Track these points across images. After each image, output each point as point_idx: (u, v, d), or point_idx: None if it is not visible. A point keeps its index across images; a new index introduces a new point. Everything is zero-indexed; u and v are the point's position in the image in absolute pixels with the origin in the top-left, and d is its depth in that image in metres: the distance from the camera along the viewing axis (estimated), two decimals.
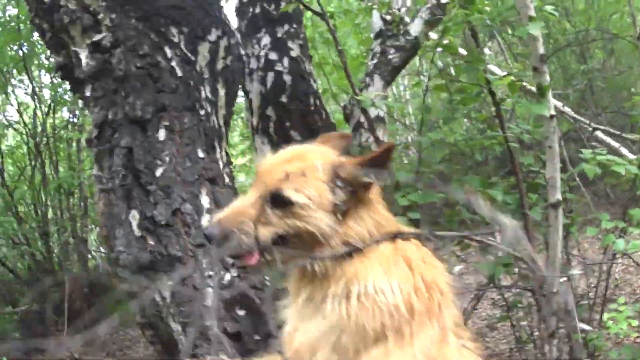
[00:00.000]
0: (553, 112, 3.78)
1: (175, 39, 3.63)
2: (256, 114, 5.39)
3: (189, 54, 3.65)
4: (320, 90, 5.49)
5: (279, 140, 5.15)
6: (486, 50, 10.01)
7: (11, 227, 8.70)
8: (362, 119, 5.32)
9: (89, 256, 10.78)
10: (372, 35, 6.14)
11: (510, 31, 8.03)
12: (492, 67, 7.02)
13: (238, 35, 4.08)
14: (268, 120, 5.28)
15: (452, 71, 5.12)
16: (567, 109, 6.82)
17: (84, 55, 3.50)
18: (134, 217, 3.40)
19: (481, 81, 4.06)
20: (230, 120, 4.05)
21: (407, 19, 5.99)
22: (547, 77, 3.77)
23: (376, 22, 6.14)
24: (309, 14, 6.25)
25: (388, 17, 5.98)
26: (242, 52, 4.07)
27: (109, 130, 3.47)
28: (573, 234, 4.57)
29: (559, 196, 3.72)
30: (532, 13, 3.70)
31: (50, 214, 10.24)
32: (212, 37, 3.80)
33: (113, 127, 3.45)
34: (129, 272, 3.41)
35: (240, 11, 5.46)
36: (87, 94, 3.56)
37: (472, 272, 9.07)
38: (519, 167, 4.11)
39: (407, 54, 5.67)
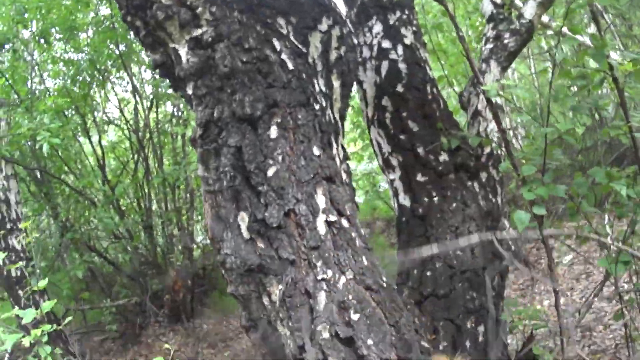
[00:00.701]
0: None
1: (284, 30, 3.38)
2: (371, 105, 5.18)
3: (300, 46, 3.41)
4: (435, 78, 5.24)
5: (395, 131, 4.97)
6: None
7: (112, 222, 8.78)
8: (480, 106, 5.13)
9: (194, 246, 10.85)
10: (484, 20, 5.90)
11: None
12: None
13: (349, 24, 3.84)
14: (384, 110, 5.06)
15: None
16: None
17: (183, 52, 3.30)
18: (243, 219, 3.22)
19: (604, 67, 3.77)
20: (346, 113, 3.82)
21: (517, 1, 5.75)
22: None
23: (487, 5, 5.93)
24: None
25: (499, 1, 5.77)
26: (355, 41, 3.82)
27: (215, 129, 3.27)
28: None
29: None
30: None
31: (154, 207, 10.35)
32: (323, 26, 3.54)
33: (219, 126, 3.26)
34: (235, 275, 3.27)
35: None
36: (189, 91, 3.36)
37: (581, 262, 8.78)
38: None
39: (523, 38, 5.42)
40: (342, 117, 3.69)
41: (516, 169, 3.95)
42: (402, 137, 4.89)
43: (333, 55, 3.59)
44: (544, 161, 3.96)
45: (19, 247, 8.06)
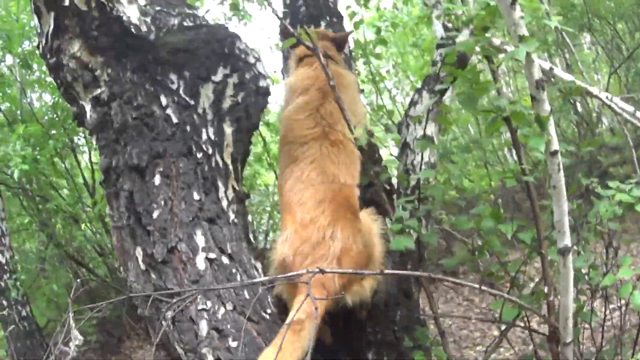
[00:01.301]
0: (556, 147, 3.40)
1: (174, 85, 3.84)
2: None
3: (188, 99, 3.85)
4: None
5: None
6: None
7: (93, 239, 9.21)
8: (408, 139, 5.26)
9: None
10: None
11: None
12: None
13: (259, 67, 4.21)
14: None
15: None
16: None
17: (88, 109, 3.81)
18: (139, 253, 3.70)
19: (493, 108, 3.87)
20: (245, 155, 4.23)
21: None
22: (547, 106, 3.39)
23: (438, 30, 6.03)
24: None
25: (450, 25, 5.82)
26: (263, 84, 4.21)
27: (114, 175, 3.77)
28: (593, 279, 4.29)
29: (567, 242, 3.38)
30: (524, 32, 3.28)
31: None
32: (218, 77, 3.98)
33: (117, 173, 3.75)
34: (140, 300, 3.75)
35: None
36: (94, 142, 3.86)
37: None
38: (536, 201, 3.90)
39: (456, 67, 5.44)
40: (236, 160, 4.07)
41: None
42: None
43: (227, 103, 4.01)
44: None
45: (3, 261, 8.52)
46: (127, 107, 3.69)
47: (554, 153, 3.39)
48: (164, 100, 3.77)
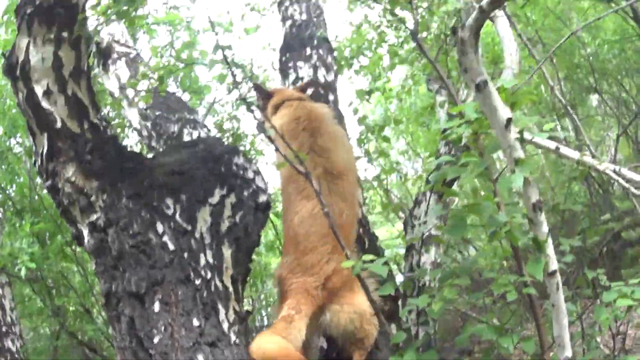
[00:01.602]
0: (555, 267, 3.41)
1: (170, 211, 3.82)
2: None
3: (185, 224, 3.82)
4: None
5: None
6: None
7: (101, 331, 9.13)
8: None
9: None
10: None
11: None
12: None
13: (257, 182, 4.21)
14: None
15: None
16: None
17: (85, 233, 3.77)
18: None
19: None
20: (246, 274, 4.21)
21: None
22: (545, 228, 3.40)
23: (442, 117, 6.09)
24: None
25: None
26: (262, 199, 4.25)
27: (114, 300, 3.72)
28: None
29: (568, 353, 3.35)
30: (521, 154, 3.30)
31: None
32: (215, 198, 3.99)
33: (117, 298, 3.70)
34: None
35: None
36: (93, 267, 3.80)
37: None
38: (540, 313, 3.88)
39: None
40: (237, 281, 4.01)
41: None
42: None
43: (225, 225, 3.99)
44: None
45: (14, 349, 8.45)
46: (124, 235, 3.66)
47: (552, 274, 3.41)
48: (160, 227, 3.74)
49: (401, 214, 8.39)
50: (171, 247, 3.71)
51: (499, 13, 5.55)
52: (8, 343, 8.36)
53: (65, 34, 3.69)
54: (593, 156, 6.75)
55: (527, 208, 3.40)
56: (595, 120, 11.11)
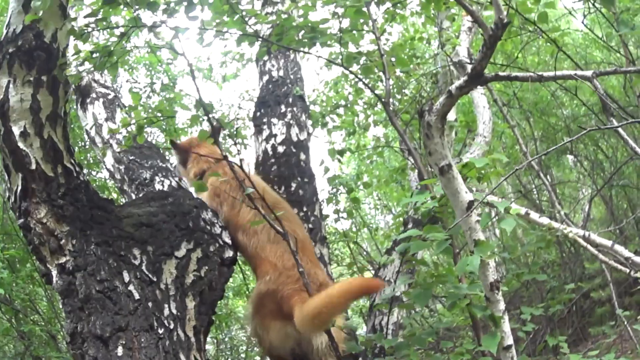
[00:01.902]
0: (510, 342, 3.58)
1: (137, 261, 3.89)
2: None
3: (150, 275, 3.90)
4: None
5: None
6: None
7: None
8: (378, 300, 5.33)
9: None
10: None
11: None
12: None
13: (224, 237, 4.30)
14: None
15: None
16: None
17: (54, 274, 3.81)
18: None
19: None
20: (208, 326, 4.25)
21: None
22: (501, 306, 3.59)
23: (413, 180, 6.20)
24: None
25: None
26: (228, 254, 4.36)
27: (80, 339, 3.73)
28: None
29: None
30: (480, 236, 3.53)
31: None
32: (181, 252, 4.08)
33: (82, 338, 3.71)
34: None
35: None
36: (61, 305, 3.86)
37: None
38: None
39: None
40: (199, 332, 4.07)
41: None
42: None
43: (190, 278, 4.08)
44: None
45: None
46: (91, 280, 3.71)
47: (507, 348, 3.57)
48: (126, 276, 3.80)
49: (368, 267, 8.50)
50: (136, 295, 3.75)
51: None
52: None
53: (44, 78, 3.76)
54: (563, 221, 6.86)
55: (484, 287, 3.58)
56: (570, 178, 11.25)
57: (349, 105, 7.29)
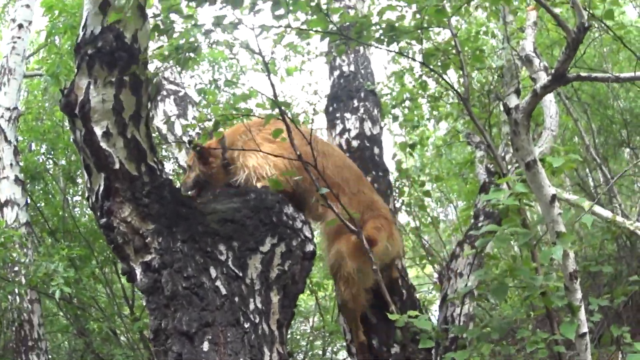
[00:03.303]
0: (585, 330, 3.70)
1: (223, 257, 3.94)
2: None
3: (237, 270, 3.94)
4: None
5: None
6: None
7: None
8: (449, 291, 5.35)
9: None
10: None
11: None
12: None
13: (305, 231, 4.36)
14: None
15: None
16: None
17: (138, 272, 3.84)
18: None
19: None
20: (290, 319, 4.30)
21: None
22: (579, 295, 3.69)
23: (481, 173, 6.17)
24: None
25: (492, 168, 5.98)
26: (309, 248, 4.36)
27: (163, 336, 3.78)
28: None
29: None
30: (562, 228, 3.63)
31: None
32: (266, 247, 4.12)
33: (166, 334, 3.76)
34: None
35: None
36: (144, 303, 3.88)
37: None
38: None
39: (495, 221, 5.52)
40: (282, 325, 4.12)
41: None
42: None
43: (274, 272, 4.12)
44: None
45: None
46: (178, 277, 3.75)
47: (582, 335, 3.69)
48: (213, 272, 3.85)
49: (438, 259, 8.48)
50: (223, 291, 3.80)
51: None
52: (33, 357, 8.45)
53: (126, 78, 3.78)
54: (623, 215, 6.83)
55: (565, 277, 3.70)
56: (627, 172, 11.12)
57: (413, 99, 7.29)
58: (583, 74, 3.99)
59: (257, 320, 3.89)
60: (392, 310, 4.37)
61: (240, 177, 4.68)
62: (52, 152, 9.29)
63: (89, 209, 9.90)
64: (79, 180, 9.46)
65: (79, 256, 8.04)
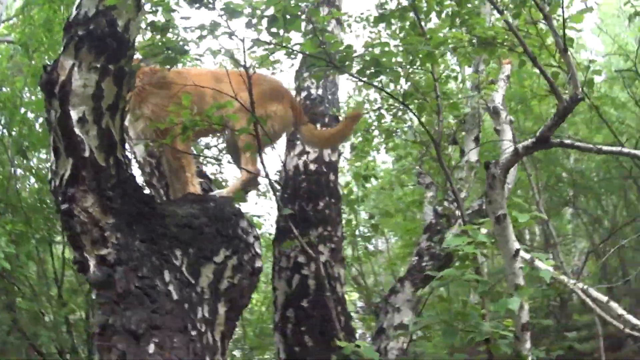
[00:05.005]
0: None
1: (178, 262, 3.94)
2: (279, 311, 5.61)
3: (190, 277, 3.95)
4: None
5: (293, 342, 5.34)
6: None
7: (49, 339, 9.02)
8: (385, 324, 5.44)
9: None
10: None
11: None
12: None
13: (256, 247, 4.36)
14: (287, 321, 5.48)
15: None
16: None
17: (91, 264, 3.78)
18: None
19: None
20: (232, 332, 4.32)
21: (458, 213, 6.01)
22: (528, 345, 3.82)
23: (428, 214, 6.30)
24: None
25: (440, 210, 6.10)
26: (258, 265, 4.41)
27: (109, 332, 3.72)
28: None
29: None
30: (521, 281, 3.77)
31: None
32: (219, 257, 4.14)
33: (112, 330, 3.70)
34: None
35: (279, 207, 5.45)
36: (93, 296, 3.86)
37: None
38: None
39: (440, 264, 5.72)
40: (226, 337, 4.15)
41: None
42: (297, 349, 5.27)
43: (224, 284, 4.14)
44: None
45: None
46: (132, 275, 3.72)
47: None
48: (167, 275, 3.84)
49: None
50: (175, 296, 3.80)
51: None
52: None
53: (111, 67, 3.75)
54: (564, 272, 7.03)
55: (517, 327, 3.85)
56: (566, 230, 11.42)
57: (368, 131, 7.36)
58: (566, 140, 4.12)
59: (203, 329, 3.90)
60: (340, 337, 4.42)
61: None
62: (9, 123, 9.06)
63: (34, 184, 9.82)
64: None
65: (20, 232, 7.87)
